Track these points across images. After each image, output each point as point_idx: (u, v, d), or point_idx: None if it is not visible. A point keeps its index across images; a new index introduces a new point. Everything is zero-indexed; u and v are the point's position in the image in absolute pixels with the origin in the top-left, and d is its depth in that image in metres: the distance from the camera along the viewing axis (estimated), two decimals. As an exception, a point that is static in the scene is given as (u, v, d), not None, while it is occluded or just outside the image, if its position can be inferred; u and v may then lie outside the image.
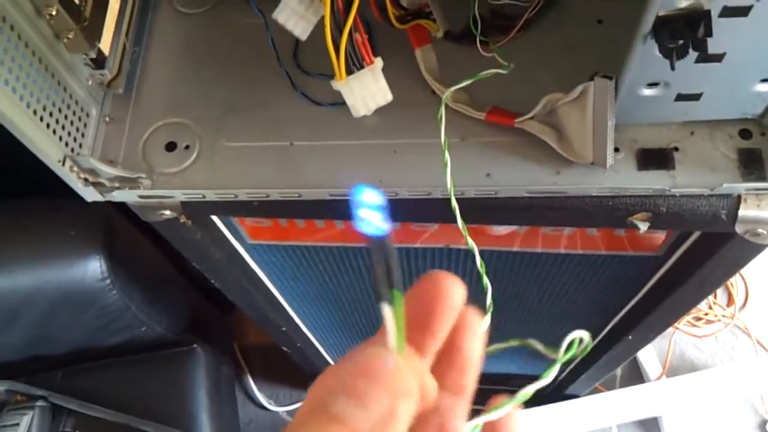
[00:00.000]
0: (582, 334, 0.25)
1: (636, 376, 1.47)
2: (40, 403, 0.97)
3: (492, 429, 0.25)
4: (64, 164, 0.45)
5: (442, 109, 0.44)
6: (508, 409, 0.24)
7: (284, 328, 0.93)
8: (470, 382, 0.24)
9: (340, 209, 0.50)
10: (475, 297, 0.85)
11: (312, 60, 0.52)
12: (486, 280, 0.39)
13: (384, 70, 0.45)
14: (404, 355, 0.21)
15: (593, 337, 0.92)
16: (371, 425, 0.19)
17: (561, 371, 1.18)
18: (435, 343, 0.23)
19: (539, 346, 0.27)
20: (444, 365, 0.24)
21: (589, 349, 0.26)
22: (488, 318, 0.35)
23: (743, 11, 0.35)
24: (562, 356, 0.25)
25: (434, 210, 0.49)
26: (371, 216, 0.21)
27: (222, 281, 0.71)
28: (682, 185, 0.44)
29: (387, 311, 0.21)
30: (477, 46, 0.49)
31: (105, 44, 0.50)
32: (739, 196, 0.45)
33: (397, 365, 0.20)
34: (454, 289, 0.23)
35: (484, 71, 0.46)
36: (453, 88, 0.46)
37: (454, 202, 0.43)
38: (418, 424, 0.22)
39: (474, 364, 0.24)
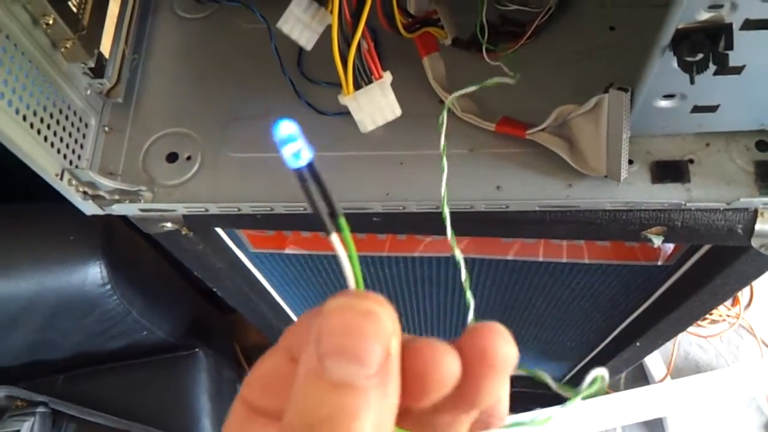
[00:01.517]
0: (602, 372, 0.24)
1: (640, 376, 1.46)
2: (40, 408, 0.96)
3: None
4: (62, 178, 0.44)
5: (444, 114, 0.43)
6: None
7: (287, 334, 0.92)
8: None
9: (347, 223, 0.49)
10: (479, 306, 0.84)
11: (317, 68, 0.50)
12: (469, 294, 0.38)
13: (391, 81, 0.44)
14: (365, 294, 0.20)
15: (600, 342, 0.91)
16: (378, 379, 0.18)
17: (563, 375, 1.17)
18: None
19: (549, 381, 0.26)
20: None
21: (605, 386, 0.25)
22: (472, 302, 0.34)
23: (766, 24, 0.34)
24: (584, 391, 0.24)
25: (439, 222, 0.48)
26: (294, 148, 0.20)
27: (224, 289, 0.70)
28: (698, 199, 0.43)
29: (336, 242, 0.20)
30: (483, 54, 0.48)
31: (104, 52, 0.48)
32: (755, 210, 0.44)
33: (373, 312, 0.19)
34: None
35: (489, 79, 0.45)
36: (456, 94, 0.44)
37: (445, 212, 0.41)
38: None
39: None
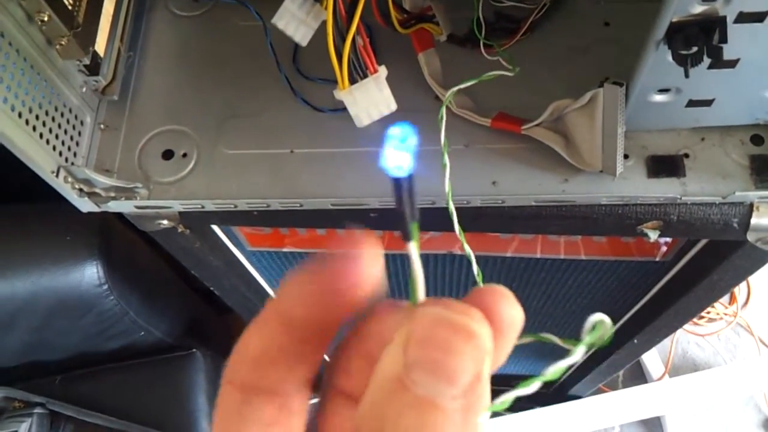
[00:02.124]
0: (602, 317, 0.23)
1: (638, 375, 1.46)
2: (38, 409, 0.96)
3: None
4: (57, 175, 0.44)
5: (443, 110, 0.43)
6: (537, 386, 0.22)
7: (284, 333, 0.92)
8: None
9: (342, 219, 0.49)
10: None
11: (312, 64, 0.50)
12: (468, 250, 0.38)
13: (386, 76, 0.44)
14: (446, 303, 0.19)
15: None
16: (464, 402, 0.17)
17: (562, 372, 1.17)
18: None
19: (556, 339, 0.26)
20: None
21: (611, 333, 0.24)
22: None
23: (760, 17, 0.34)
24: (587, 338, 0.23)
25: (438, 218, 0.48)
26: (400, 156, 0.19)
27: (221, 288, 0.70)
28: (693, 193, 0.43)
29: (413, 250, 0.20)
30: (481, 49, 0.48)
31: (99, 49, 0.48)
32: (751, 204, 0.44)
33: (471, 329, 0.18)
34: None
35: (488, 73, 0.45)
36: (455, 89, 0.44)
37: (451, 207, 0.41)
38: None
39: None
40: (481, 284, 0.33)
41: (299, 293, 0.20)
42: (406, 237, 0.20)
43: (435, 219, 0.48)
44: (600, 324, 0.22)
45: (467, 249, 0.41)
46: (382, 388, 0.18)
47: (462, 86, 0.44)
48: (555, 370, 0.21)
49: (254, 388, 0.20)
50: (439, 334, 0.17)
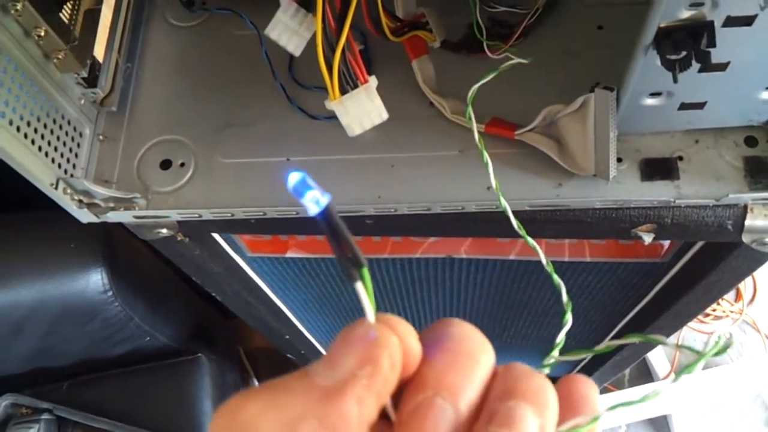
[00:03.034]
0: (725, 333, 0.24)
1: (644, 373, 1.46)
2: (45, 416, 0.97)
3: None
4: (56, 187, 0.44)
5: (470, 109, 0.42)
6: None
7: (288, 337, 0.92)
8: None
9: (319, 228, 0.49)
10: (481, 306, 0.83)
11: (307, 73, 0.51)
12: (558, 279, 0.35)
13: (380, 81, 0.44)
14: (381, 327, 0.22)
15: (600, 339, 0.91)
16: (331, 383, 0.19)
17: (568, 372, 1.17)
18: None
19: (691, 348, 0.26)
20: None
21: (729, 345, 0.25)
22: (569, 316, 0.33)
23: (747, 20, 0.34)
24: (709, 351, 0.24)
25: (433, 224, 0.48)
26: (312, 197, 0.21)
27: (222, 294, 0.70)
28: (687, 196, 0.43)
29: (360, 289, 0.22)
30: (476, 54, 0.48)
31: (97, 60, 0.49)
32: (745, 206, 0.44)
33: (366, 333, 0.21)
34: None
35: (505, 64, 0.44)
36: (477, 85, 0.43)
37: (504, 204, 0.40)
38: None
39: None
40: (569, 311, 0.33)
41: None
42: (349, 278, 0.22)
43: (432, 225, 0.49)
44: (720, 339, 0.24)
45: (543, 258, 0.38)
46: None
47: (484, 81, 0.43)
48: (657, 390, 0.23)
49: None
50: (343, 335, 0.21)
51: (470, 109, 0.43)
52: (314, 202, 0.21)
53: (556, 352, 0.29)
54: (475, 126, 0.42)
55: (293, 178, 0.21)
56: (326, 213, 0.21)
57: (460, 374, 0.21)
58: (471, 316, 0.87)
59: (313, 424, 0.19)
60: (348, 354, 0.20)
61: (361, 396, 0.19)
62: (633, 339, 0.25)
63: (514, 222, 0.38)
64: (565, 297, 0.31)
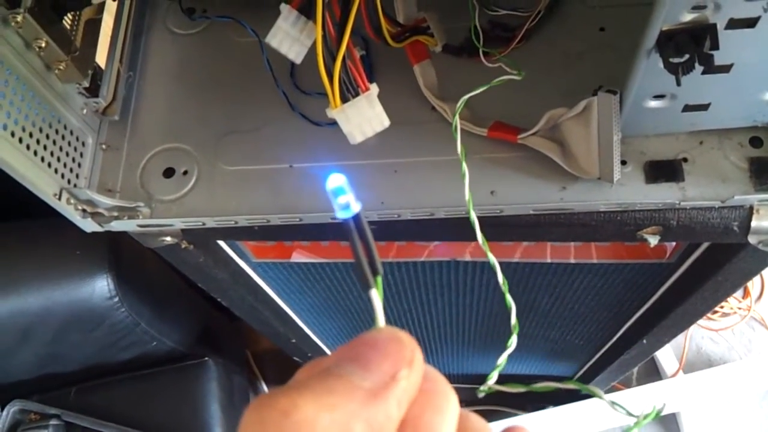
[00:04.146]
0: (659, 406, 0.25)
1: (653, 371, 1.46)
2: (54, 421, 0.97)
3: None
4: (60, 198, 0.44)
5: (457, 118, 0.43)
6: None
7: (294, 340, 0.92)
8: None
9: (342, 232, 0.49)
10: (486, 308, 0.83)
11: (309, 79, 0.51)
12: (509, 298, 0.38)
13: (382, 86, 0.44)
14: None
15: (607, 340, 0.91)
16: (372, 385, 0.20)
17: (574, 374, 1.17)
18: None
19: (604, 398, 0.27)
20: None
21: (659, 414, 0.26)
22: (515, 338, 0.34)
23: (750, 23, 0.34)
24: (642, 420, 0.26)
25: (438, 229, 0.48)
26: (344, 200, 0.22)
27: (228, 299, 0.70)
28: (693, 198, 0.43)
29: (375, 296, 0.22)
30: (477, 58, 0.48)
31: (98, 72, 0.49)
32: (751, 207, 0.44)
33: (399, 338, 0.21)
34: None
35: (497, 79, 0.45)
36: (467, 96, 0.44)
37: (473, 216, 0.41)
38: None
39: None
40: (507, 294, 0.34)
41: None
42: (364, 283, 0.22)
43: (434, 229, 0.48)
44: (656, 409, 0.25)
45: (491, 258, 0.41)
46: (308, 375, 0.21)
47: (473, 93, 0.44)
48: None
49: None
50: (368, 338, 0.21)
51: (457, 119, 0.43)
52: (346, 207, 0.21)
53: (495, 374, 0.30)
54: (458, 137, 0.42)
55: (335, 180, 0.21)
56: (357, 219, 0.21)
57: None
58: (476, 318, 0.87)
59: (364, 426, 0.19)
60: (384, 358, 0.20)
61: (400, 398, 0.20)
62: (572, 386, 0.26)
63: (480, 237, 0.39)
64: (513, 319, 0.32)
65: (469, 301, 0.79)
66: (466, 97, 0.44)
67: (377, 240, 0.56)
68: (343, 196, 0.22)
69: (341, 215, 0.22)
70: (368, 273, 0.22)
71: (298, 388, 0.19)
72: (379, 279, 0.22)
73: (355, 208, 0.21)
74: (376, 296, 0.22)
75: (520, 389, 0.24)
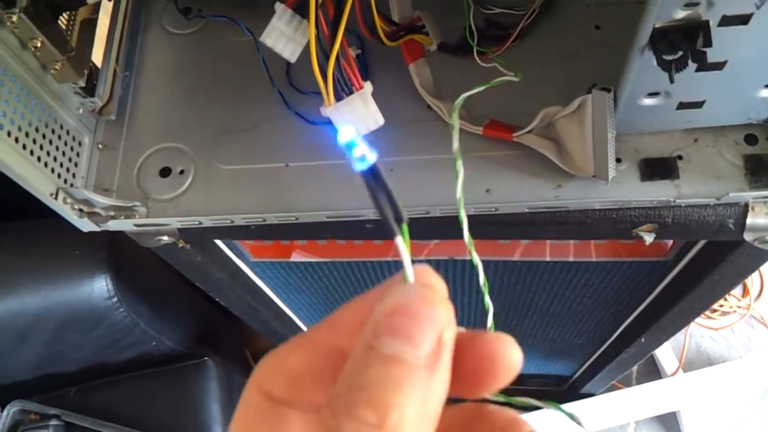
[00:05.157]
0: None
1: (652, 370, 1.45)
2: (53, 421, 0.97)
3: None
4: (56, 197, 0.44)
5: (455, 117, 0.43)
6: None
7: (293, 340, 0.92)
8: None
9: (339, 230, 0.49)
10: (479, 305, 0.83)
11: (305, 78, 0.51)
12: (488, 300, 0.38)
13: (377, 85, 0.44)
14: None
15: (606, 339, 0.91)
16: (427, 359, 0.19)
17: (573, 372, 1.17)
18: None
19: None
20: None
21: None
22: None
23: (743, 19, 0.34)
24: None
25: (434, 227, 0.48)
26: (360, 152, 0.21)
27: (226, 299, 0.70)
28: (688, 195, 0.43)
29: (401, 244, 0.21)
30: (472, 57, 0.48)
31: (94, 71, 0.49)
32: (746, 204, 0.44)
33: (430, 299, 0.20)
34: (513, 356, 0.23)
35: (496, 80, 0.44)
36: (465, 95, 0.44)
37: (462, 215, 0.41)
38: None
39: None
40: (487, 294, 0.34)
41: (349, 326, 0.22)
42: (389, 231, 0.22)
43: (432, 228, 0.49)
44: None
45: (475, 257, 0.41)
46: (355, 356, 0.20)
47: (472, 92, 0.44)
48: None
49: (287, 403, 0.22)
50: (400, 304, 0.20)
51: (456, 118, 0.43)
52: (362, 159, 0.21)
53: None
54: (456, 135, 0.42)
55: (346, 134, 0.21)
56: (375, 168, 0.21)
57: None
58: (476, 316, 0.87)
59: (434, 404, 0.19)
60: (425, 327, 0.20)
61: (448, 364, 0.20)
62: (551, 407, 0.26)
63: (466, 236, 0.39)
64: (490, 322, 0.32)
65: (468, 300, 0.79)
66: (465, 95, 0.44)
67: (374, 239, 0.56)
68: (357, 148, 0.21)
69: (359, 167, 0.21)
70: (392, 221, 0.22)
71: (360, 389, 0.19)
72: (405, 227, 0.22)
73: (371, 158, 0.21)
74: (403, 245, 0.21)
75: (500, 400, 0.24)
